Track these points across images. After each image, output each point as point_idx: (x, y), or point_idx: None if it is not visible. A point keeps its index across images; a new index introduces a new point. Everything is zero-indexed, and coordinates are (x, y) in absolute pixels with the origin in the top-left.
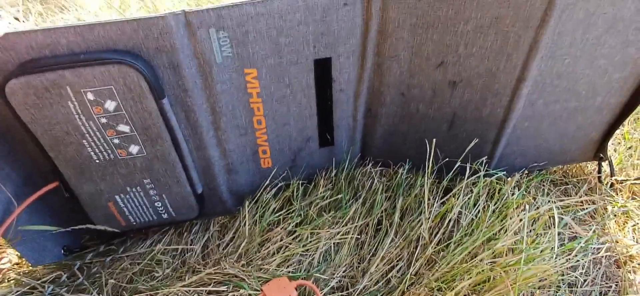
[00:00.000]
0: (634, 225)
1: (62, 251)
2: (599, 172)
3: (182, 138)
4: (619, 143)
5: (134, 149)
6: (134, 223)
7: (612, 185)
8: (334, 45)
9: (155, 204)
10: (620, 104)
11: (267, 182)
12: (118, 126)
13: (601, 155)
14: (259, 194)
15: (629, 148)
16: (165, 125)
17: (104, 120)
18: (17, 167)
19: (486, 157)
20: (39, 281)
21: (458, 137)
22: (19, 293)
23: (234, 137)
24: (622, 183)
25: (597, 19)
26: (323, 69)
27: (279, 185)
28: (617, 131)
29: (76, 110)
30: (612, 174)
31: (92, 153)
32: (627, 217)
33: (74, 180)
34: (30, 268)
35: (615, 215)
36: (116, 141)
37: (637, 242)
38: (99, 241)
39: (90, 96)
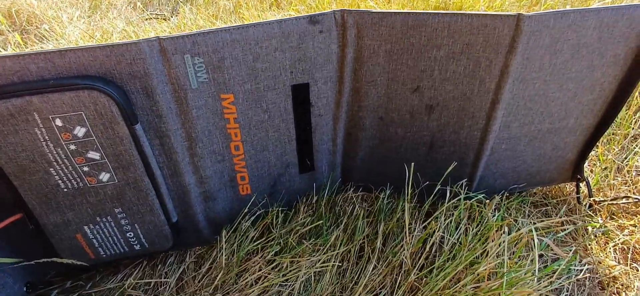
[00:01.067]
0: (615, 245)
1: (25, 288)
2: (578, 192)
3: (155, 165)
4: (595, 164)
5: (104, 177)
6: (104, 255)
7: (590, 205)
8: (311, 71)
9: (127, 234)
10: (593, 125)
11: (246, 209)
12: (88, 153)
13: (578, 176)
14: (237, 222)
15: (604, 168)
16: (138, 151)
17: (72, 147)
18: None
19: (466, 179)
20: None
21: (437, 160)
22: None
23: (211, 163)
24: (600, 203)
25: (562, 45)
26: (301, 94)
27: (258, 213)
28: (592, 152)
29: (43, 136)
30: (590, 195)
31: (60, 181)
32: (607, 237)
33: (39, 210)
34: None
35: (595, 236)
36: (86, 168)
37: (619, 263)
38: (66, 276)
39: (58, 122)
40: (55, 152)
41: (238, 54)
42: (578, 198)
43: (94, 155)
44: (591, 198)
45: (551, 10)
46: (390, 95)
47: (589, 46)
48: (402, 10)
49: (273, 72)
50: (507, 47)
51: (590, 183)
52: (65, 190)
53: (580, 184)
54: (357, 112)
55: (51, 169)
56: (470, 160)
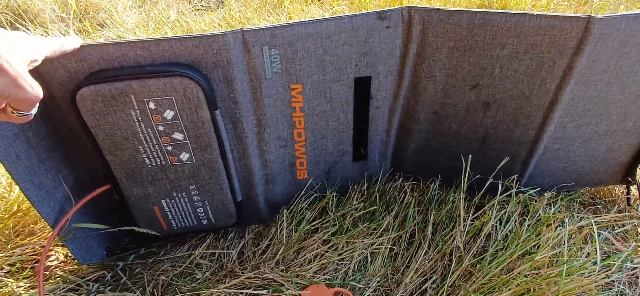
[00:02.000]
0: None
1: (106, 252)
2: (628, 194)
3: (228, 148)
4: None
5: (184, 156)
6: (175, 227)
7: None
8: (374, 64)
9: (198, 210)
10: None
11: (303, 192)
12: (173, 134)
13: (630, 178)
14: (294, 203)
15: None
16: (216, 134)
17: (161, 128)
18: (72, 169)
19: (516, 175)
20: (84, 280)
21: (488, 156)
22: (65, 289)
23: (275, 148)
24: None
25: (631, 48)
26: (362, 87)
27: (314, 196)
28: None
29: (137, 117)
30: None
31: (146, 158)
32: None
33: (125, 183)
34: (76, 266)
35: None
36: (169, 148)
37: None
38: (139, 244)
39: (152, 105)
40: (146, 132)
41: (310, 47)
42: (628, 199)
43: (178, 136)
44: None
45: (622, 13)
46: (447, 91)
47: None
48: (469, 9)
49: (339, 64)
50: (573, 49)
51: None
52: (149, 166)
53: (631, 187)
54: (413, 106)
55: (140, 147)
56: (521, 157)
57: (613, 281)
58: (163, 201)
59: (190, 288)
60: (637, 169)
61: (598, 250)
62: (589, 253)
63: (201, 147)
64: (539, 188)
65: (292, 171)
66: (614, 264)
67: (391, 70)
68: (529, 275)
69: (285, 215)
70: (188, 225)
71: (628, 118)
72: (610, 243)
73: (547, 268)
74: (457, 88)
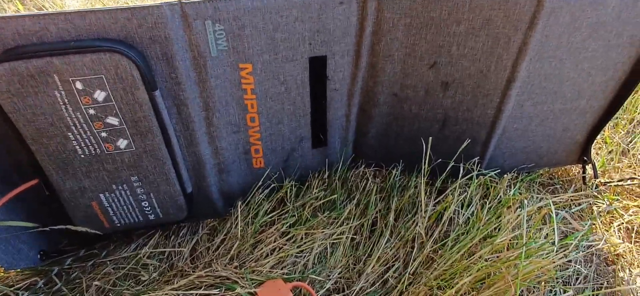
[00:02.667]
0: (619, 225)
1: (39, 255)
2: (584, 173)
3: (173, 134)
4: (601, 147)
5: (122, 143)
6: (118, 224)
7: (596, 187)
8: (329, 43)
9: (142, 204)
10: (603, 107)
11: (260, 182)
12: (107, 118)
13: (585, 157)
14: (251, 194)
15: (610, 152)
16: (157, 118)
17: (92, 112)
18: None
19: (477, 157)
20: (12, 288)
21: (449, 138)
22: None
23: (227, 134)
24: (606, 185)
25: (581, 23)
26: (318, 67)
27: (271, 186)
28: (599, 136)
29: (63, 99)
30: (596, 176)
31: (78, 146)
32: (612, 217)
33: (55, 176)
34: (3, 273)
35: (601, 215)
36: (104, 134)
37: (623, 241)
38: (79, 245)
39: (78, 85)
40: (74, 116)
41: (258, 23)
42: (584, 178)
43: (112, 120)
44: (597, 180)
45: None
46: (406, 71)
47: (608, 25)
48: None
49: (292, 43)
50: (527, 23)
51: (596, 165)
52: (83, 156)
53: (586, 166)
54: (372, 88)
55: (69, 134)
56: (481, 138)
57: (570, 260)
58: (102, 195)
59: (134, 292)
60: (592, 148)
61: (556, 230)
62: (547, 234)
63: (141, 132)
64: (500, 170)
65: (247, 159)
66: (572, 243)
67: (347, 49)
68: (489, 258)
69: (239, 208)
70: (133, 221)
71: (581, 96)
72: (568, 222)
73: (507, 251)
74: (416, 67)
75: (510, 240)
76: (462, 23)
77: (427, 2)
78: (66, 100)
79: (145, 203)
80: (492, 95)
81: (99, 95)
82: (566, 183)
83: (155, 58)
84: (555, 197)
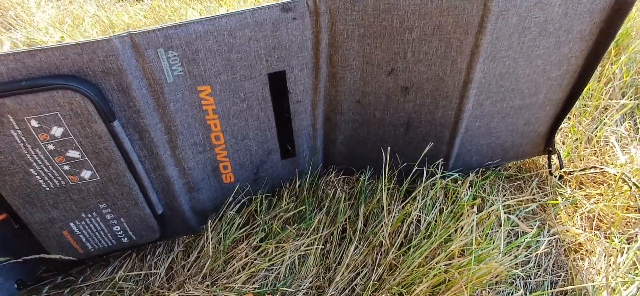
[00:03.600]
0: (582, 214)
1: (16, 285)
2: (549, 165)
3: (136, 160)
4: (567, 136)
5: (86, 174)
6: (92, 250)
7: (561, 177)
8: (286, 58)
9: (114, 228)
10: (562, 99)
11: (230, 198)
12: (67, 152)
13: (550, 148)
14: (222, 211)
15: (575, 140)
16: (118, 147)
17: (51, 147)
18: None
19: (443, 158)
20: None
21: (415, 140)
22: None
23: (193, 155)
24: (570, 174)
25: (530, 22)
26: (278, 82)
27: (242, 201)
28: (564, 124)
29: (20, 138)
30: (561, 166)
31: (41, 181)
32: (575, 207)
33: (23, 209)
34: None
35: (564, 206)
36: (66, 167)
37: (584, 230)
38: (57, 271)
39: (34, 123)
40: (33, 153)
41: (212, 45)
42: (550, 170)
43: (73, 153)
44: (562, 170)
45: None
46: (366, 79)
47: (556, 23)
48: None
49: (248, 61)
50: (477, 27)
51: (562, 155)
52: (48, 189)
53: (552, 156)
54: (335, 97)
55: (31, 170)
56: (446, 138)
57: (530, 256)
58: (72, 224)
59: None
60: (555, 139)
61: (502, 236)
62: (500, 237)
63: (103, 162)
64: (467, 167)
65: (217, 176)
66: (520, 246)
67: (306, 62)
68: (445, 264)
69: (210, 226)
70: (106, 245)
71: (539, 91)
72: (524, 220)
73: (460, 256)
74: (374, 75)
75: (465, 245)
76: (414, 30)
77: (378, 13)
78: (23, 139)
79: (117, 228)
80: (451, 97)
81: (56, 131)
82: (534, 176)
83: (110, 90)
84: (518, 194)
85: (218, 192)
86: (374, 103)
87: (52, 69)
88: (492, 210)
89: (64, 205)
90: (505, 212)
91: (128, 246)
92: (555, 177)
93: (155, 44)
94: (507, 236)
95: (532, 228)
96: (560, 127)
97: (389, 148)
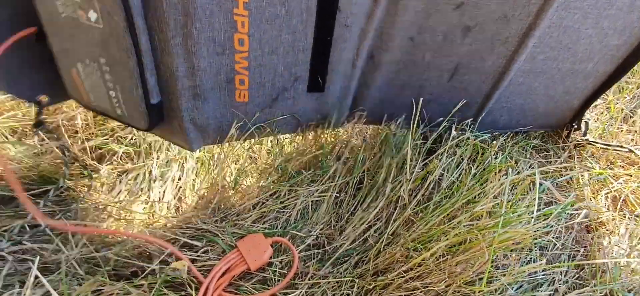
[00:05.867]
0: (608, 192)
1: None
2: (568, 136)
3: (142, 28)
4: (602, 112)
5: (92, 15)
6: (93, 102)
7: (579, 146)
8: None
9: (110, 92)
10: (608, 73)
11: (240, 123)
12: None
13: (574, 123)
14: (228, 135)
15: (611, 117)
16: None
17: None
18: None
19: (474, 112)
20: None
21: (455, 88)
22: None
23: (208, 53)
24: (593, 145)
25: None
26: None
27: (252, 129)
28: (600, 101)
29: None
30: (584, 135)
31: (59, 3)
32: (602, 184)
33: (46, 26)
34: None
35: (590, 182)
36: None
37: (608, 209)
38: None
39: None
40: None
41: None
42: (569, 139)
43: None
44: (585, 139)
45: None
46: (429, 11)
47: None
48: None
49: None
50: None
51: (588, 125)
52: (64, 15)
53: (572, 132)
54: (388, 30)
55: None
56: (485, 90)
57: (551, 228)
58: (79, 64)
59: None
60: (584, 114)
61: (536, 201)
62: (528, 204)
63: (107, 9)
64: (493, 126)
65: (230, 89)
66: (552, 214)
67: None
68: (467, 225)
69: (216, 156)
70: (104, 105)
71: (591, 58)
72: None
73: (485, 219)
74: (440, 7)
75: (492, 207)
76: None
77: None
78: None
79: (113, 93)
80: (509, 42)
81: None
82: (561, 149)
83: None
84: (546, 162)
85: (226, 108)
86: (428, 42)
87: None
88: (525, 175)
89: (75, 41)
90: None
91: (121, 120)
92: (585, 153)
93: None
94: (533, 205)
95: (565, 199)
96: (591, 105)
97: (421, 98)
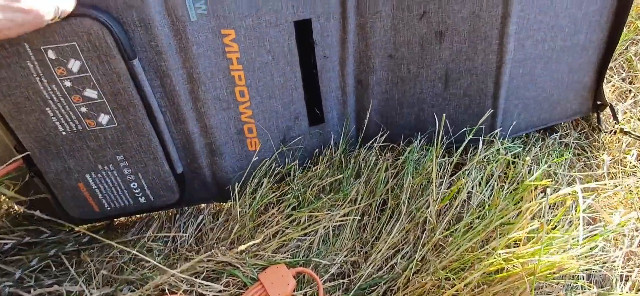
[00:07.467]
0: None
1: None
2: (599, 121)
3: (157, 107)
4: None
5: (103, 119)
6: (108, 208)
7: (614, 133)
8: (312, 4)
9: (131, 185)
10: (603, 41)
11: (257, 160)
12: (84, 91)
13: (599, 102)
14: (248, 175)
15: None
16: (137, 90)
17: (68, 84)
18: None
19: (490, 113)
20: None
21: (456, 96)
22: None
23: (215, 111)
24: (628, 134)
25: None
26: (304, 32)
27: (270, 168)
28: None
29: (36, 71)
30: (616, 119)
31: (58, 123)
32: None
33: (39, 156)
34: None
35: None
36: (83, 109)
37: None
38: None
39: (51, 54)
40: (50, 89)
41: None
42: (599, 127)
43: (91, 93)
44: (618, 125)
45: None
46: (397, 26)
47: None
48: None
49: (274, 4)
50: None
51: (615, 109)
52: (64, 133)
53: (602, 112)
54: (365, 52)
55: (47, 108)
56: (490, 90)
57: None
58: (88, 176)
59: (139, 276)
60: (603, 89)
61: (581, 227)
62: (571, 223)
63: (122, 106)
64: (516, 128)
65: (241, 140)
66: (598, 237)
67: (332, 11)
68: (504, 251)
69: (237, 188)
70: (123, 204)
71: (579, 29)
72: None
73: (524, 244)
74: (406, 20)
75: (529, 231)
76: None
77: None
78: (40, 72)
79: (134, 185)
80: (490, 37)
81: (74, 65)
82: (601, 149)
83: (132, 24)
84: (587, 168)
85: (242, 160)
86: (407, 56)
87: None
88: (566, 193)
89: (81, 154)
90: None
91: (145, 209)
92: (610, 132)
93: None
94: (577, 226)
95: (613, 216)
96: (604, 75)
97: (426, 112)
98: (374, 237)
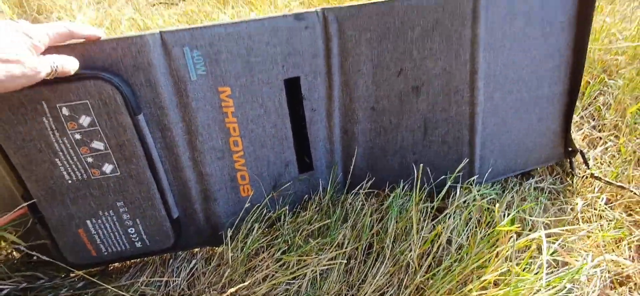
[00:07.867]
0: (630, 242)
1: None
2: (571, 167)
3: (157, 158)
4: (614, 156)
5: (107, 168)
6: (105, 252)
7: (586, 178)
8: (300, 65)
9: (129, 230)
10: (566, 92)
11: (249, 206)
12: (92, 143)
13: (570, 148)
14: (240, 220)
15: (624, 161)
16: (141, 142)
17: (78, 136)
18: None
19: (467, 160)
20: None
21: (434, 143)
22: None
23: (211, 160)
24: (598, 179)
25: (516, 13)
26: (293, 89)
27: (261, 213)
28: (611, 144)
29: (50, 125)
30: (587, 165)
31: (65, 172)
32: (622, 234)
33: (44, 202)
34: None
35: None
36: (90, 159)
37: (633, 261)
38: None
39: (65, 111)
40: (61, 141)
41: (233, 48)
42: (572, 173)
43: (98, 145)
44: (589, 171)
45: None
46: (377, 83)
47: (537, 15)
48: (374, 1)
49: (266, 65)
50: (471, 18)
51: (585, 155)
52: (70, 182)
53: (574, 158)
54: (350, 105)
55: (57, 159)
56: (465, 137)
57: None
58: (88, 222)
59: None
60: (571, 136)
61: (544, 268)
62: (539, 267)
63: (125, 156)
64: (493, 176)
65: (234, 187)
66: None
67: (319, 70)
68: (478, 294)
69: (229, 233)
70: (119, 249)
71: (542, 83)
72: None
73: (496, 286)
74: (385, 77)
75: (501, 276)
76: (416, 28)
77: (382, 14)
78: (53, 126)
79: (132, 230)
80: (461, 90)
81: (84, 120)
82: (575, 194)
83: (139, 85)
84: (561, 213)
85: (235, 205)
86: (388, 108)
87: (88, 62)
88: (533, 238)
89: (84, 201)
90: (547, 240)
91: (140, 254)
92: (582, 177)
93: (182, 42)
94: (548, 265)
95: (578, 260)
96: (571, 124)
97: (407, 159)
98: (360, 280)
